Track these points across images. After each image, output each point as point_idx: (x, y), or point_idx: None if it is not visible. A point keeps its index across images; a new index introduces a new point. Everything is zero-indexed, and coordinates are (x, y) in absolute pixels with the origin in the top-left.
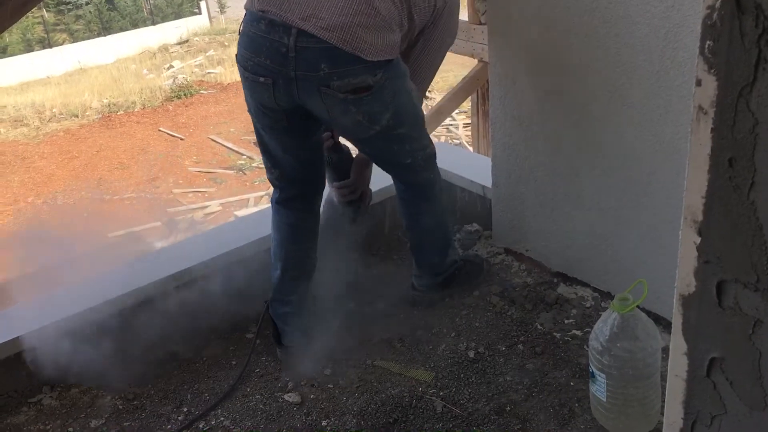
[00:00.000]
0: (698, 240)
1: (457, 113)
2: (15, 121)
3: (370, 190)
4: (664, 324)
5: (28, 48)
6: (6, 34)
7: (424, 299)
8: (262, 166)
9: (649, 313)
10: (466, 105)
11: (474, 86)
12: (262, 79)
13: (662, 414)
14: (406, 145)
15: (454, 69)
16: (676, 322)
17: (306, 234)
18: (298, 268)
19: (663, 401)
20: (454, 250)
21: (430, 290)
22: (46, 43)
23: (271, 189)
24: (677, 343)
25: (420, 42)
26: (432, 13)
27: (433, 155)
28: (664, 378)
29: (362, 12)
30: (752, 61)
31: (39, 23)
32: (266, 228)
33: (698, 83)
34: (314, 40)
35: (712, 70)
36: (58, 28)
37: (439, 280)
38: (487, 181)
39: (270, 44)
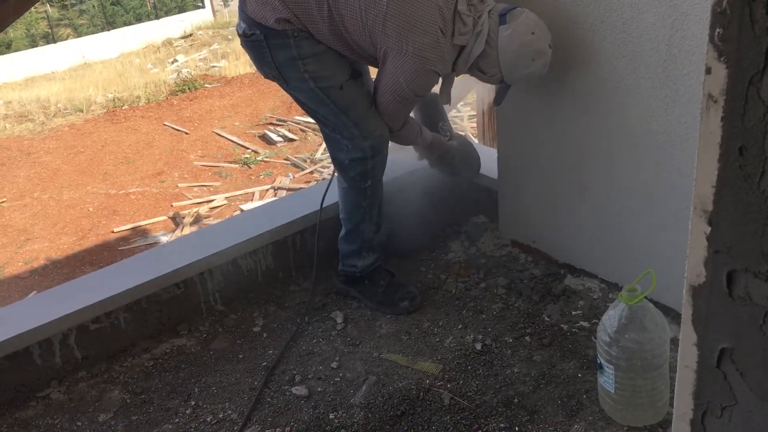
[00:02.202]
0: (708, 230)
1: (462, 105)
2: (20, 116)
3: (448, 150)
4: (672, 315)
5: (33, 43)
6: (10, 30)
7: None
8: (267, 159)
9: (657, 304)
10: (472, 97)
11: None
12: None
13: (671, 405)
14: (318, 110)
15: None
16: (686, 312)
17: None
18: None
19: (672, 392)
20: (364, 259)
21: (339, 273)
22: (50, 39)
23: (276, 182)
24: (687, 334)
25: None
26: (366, 34)
27: (358, 161)
28: (672, 369)
29: None
30: (763, 48)
31: (43, 18)
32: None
33: (708, 71)
34: None
35: (722, 58)
36: (62, 23)
37: (340, 267)
38: (493, 173)
39: None
